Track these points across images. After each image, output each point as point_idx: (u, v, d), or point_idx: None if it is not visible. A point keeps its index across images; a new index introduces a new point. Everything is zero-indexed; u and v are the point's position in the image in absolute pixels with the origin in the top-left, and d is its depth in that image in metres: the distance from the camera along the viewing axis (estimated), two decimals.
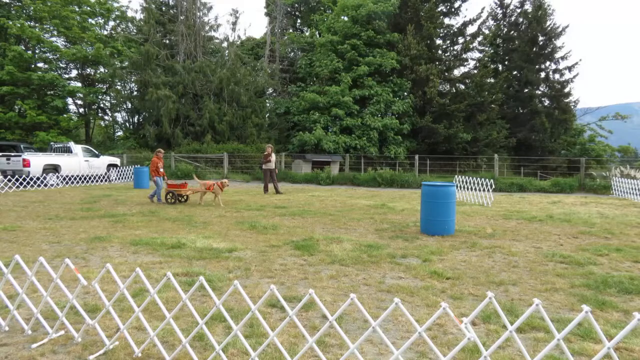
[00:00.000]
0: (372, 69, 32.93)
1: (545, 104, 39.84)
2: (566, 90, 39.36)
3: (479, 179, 14.59)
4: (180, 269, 6.13)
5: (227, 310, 4.53)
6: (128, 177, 23.14)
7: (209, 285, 5.50)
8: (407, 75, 33.80)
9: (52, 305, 4.04)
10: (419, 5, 35.60)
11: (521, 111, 39.74)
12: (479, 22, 38.16)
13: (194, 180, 14.55)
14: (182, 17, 32.26)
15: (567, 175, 28.92)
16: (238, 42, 37.30)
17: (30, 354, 3.74)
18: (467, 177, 15.49)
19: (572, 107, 40.82)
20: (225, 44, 36.78)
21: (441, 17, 36.81)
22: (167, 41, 34.19)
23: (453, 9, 37.59)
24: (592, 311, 4.82)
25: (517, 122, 38.41)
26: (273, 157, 17.14)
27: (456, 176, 17.11)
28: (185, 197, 14.04)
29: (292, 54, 40.93)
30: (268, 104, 36.70)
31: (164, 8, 34.52)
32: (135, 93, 33.75)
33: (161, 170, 14.50)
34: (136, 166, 20.97)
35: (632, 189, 17.09)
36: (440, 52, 37.63)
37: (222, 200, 13.78)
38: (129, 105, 34.43)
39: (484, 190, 13.89)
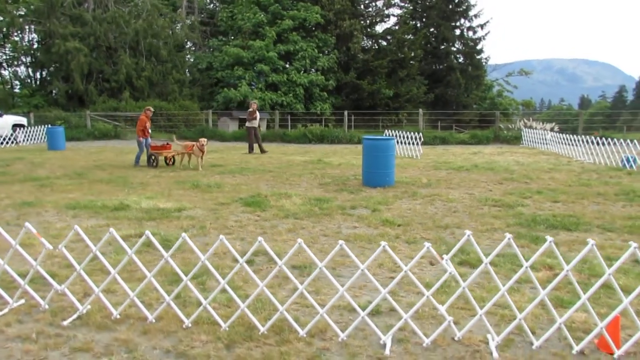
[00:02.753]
0: (296, 23, 32.32)
1: (460, 60, 41.65)
2: (479, 47, 41.38)
3: (408, 132, 15.23)
4: (131, 230, 5.95)
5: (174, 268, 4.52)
6: (39, 139, 21.27)
7: (167, 245, 5.42)
8: (331, 30, 33.64)
9: (11, 273, 3.79)
10: None
11: (439, 67, 41.31)
12: None
13: (174, 143, 13.18)
14: None
15: (479, 128, 30.94)
16: None
17: None
18: (396, 132, 16.11)
19: (484, 63, 43.14)
20: None
21: None
22: None
23: None
24: (528, 245, 5.41)
25: (435, 78, 39.97)
26: (258, 114, 16.29)
27: (386, 131, 17.70)
28: (171, 159, 12.86)
29: (212, 5, 38.93)
30: (189, 59, 34.94)
31: None
32: (37, 45, 30.51)
33: (149, 130, 13.02)
34: (49, 126, 19.31)
35: (538, 139, 18.77)
36: (362, 7, 37.69)
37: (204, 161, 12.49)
38: (30, 59, 31.15)
39: (413, 143, 14.55)
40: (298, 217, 6.69)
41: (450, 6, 40.14)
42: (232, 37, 35.14)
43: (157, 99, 28.54)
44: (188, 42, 35.27)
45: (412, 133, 15.04)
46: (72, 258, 3.69)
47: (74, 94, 27.90)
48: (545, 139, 17.78)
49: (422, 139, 15.05)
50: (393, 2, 38.19)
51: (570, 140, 15.13)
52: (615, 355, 3.09)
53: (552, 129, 21.68)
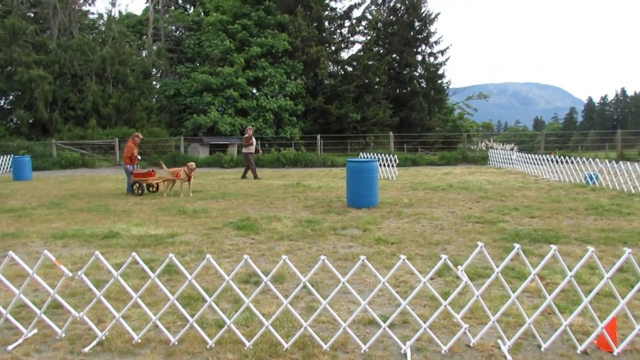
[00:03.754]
0: (264, 50, 32.79)
1: (423, 85, 43.10)
2: (440, 72, 43.01)
3: (384, 155, 15.66)
4: (128, 257, 5.90)
5: (204, 290, 4.58)
6: (2, 169, 20.57)
7: (168, 270, 5.45)
8: (298, 56, 34.27)
9: (26, 302, 3.76)
10: None
11: (402, 92, 42.62)
12: (364, 6, 39.82)
13: (162, 170, 12.85)
14: None
15: (443, 150, 31.98)
16: (117, 19, 34.44)
17: (12, 355, 3.50)
18: (369, 154, 16.51)
19: (445, 87, 44.81)
20: (102, 21, 33.82)
21: (329, 0, 37.76)
22: (33, 15, 30.41)
23: None
24: (516, 258, 5.73)
25: (399, 102, 41.16)
26: (254, 140, 16.13)
27: (361, 154, 18.10)
28: (154, 186, 12.57)
29: (178, 32, 39.01)
30: (156, 85, 34.69)
31: None
32: None
33: (138, 157, 12.71)
34: (14, 156, 18.72)
35: (504, 159, 19.62)
36: (328, 34, 38.67)
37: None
38: None
39: (388, 165, 14.97)
40: (292, 238, 6.82)
41: (412, 33, 41.72)
42: (199, 64, 35.24)
43: (125, 126, 28.15)
44: (155, 69, 35.08)
45: (386, 155, 15.47)
46: (47, 286, 3.71)
47: (37, 123, 27.17)
48: (511, 159, 18.61)
49: (397, 161, 15.50)
50: (357, 30, 39.36)
51: (535, 159, 15.92)
52: (614, 353, 3.36)
53: (511, 149, 22.71)
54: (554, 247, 3.40)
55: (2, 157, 20.63)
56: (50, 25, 29.19)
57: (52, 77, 26.82)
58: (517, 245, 3.47)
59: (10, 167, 18.14)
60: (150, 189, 12.57)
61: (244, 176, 16.17)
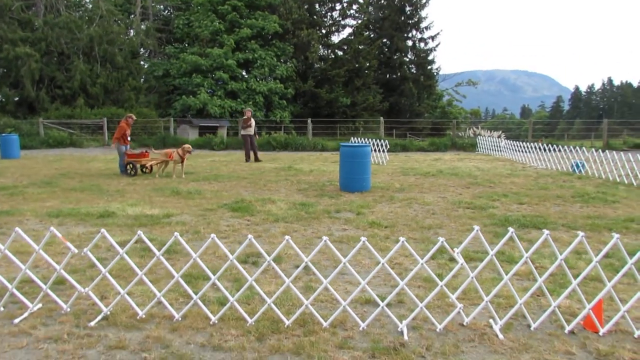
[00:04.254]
0: (254, 32, 32.49)
1: (413, 70, 43.10)
2: (430, 58, 43.01)
3: (375, 140, 15.77)
4: (126, 236, 5.97)
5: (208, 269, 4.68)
6: None
7: (167, 249, 5.52)
8: (289, 39, 34.04)
9: (32, 277, 3.83)
10: None
11: (392, 77, 42.60)
12: None
13: (152, 151, 12.78)
14: None
15: (431, 136, 32.23)
16: None
17: (19, 328, 3.57)
18: (362, 139, 16.61)
19: (435, 73, 44.84)
20: None
21: None
22: None
23: None
24: (507, 243, 5.92)
25: (389, 87, 41.17)
26: (252, 122, 15.91)
27: (352, 138, 18.18)
28: (148, 168, 12.48)
29: (167, 12, 38.38)
30: (144, 66, 34.22)
31: None
32: None
33: (128, 139, 12.51)
34: (2, 134, 18.45)
35: (492, 146, 19.88)
36: (319, 17, 38.36)
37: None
38: None
39: (378, 150, 15.09)
40: (287, 221, 6.92)
41: (403, 18, 41.56)
42: (188, 45, 34.83)
43: (113, 106, 27.84)
44: (143, 49, 34.56)
45: (377, 140, 15.60)
46: (54, 262, 3.78)
47: (24, 101, 26.72)
48: (500, 147, 18.87)
49: (388, 146, 15.64)
50: (349, 13, 39.11)
51: (523, 147, 16.18)
52: (600, 333, 3.55)
53: (499, 137, 22.99)
54: (546, 231, 3.56)
55: None
56: (37, 2, 28.51)
57: (39, 55, 26.34)
58: (511, 229, 3.62)
59: None
60: (144, 170, 12.52)
61: (247, 160, 15.93)
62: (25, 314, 3.79)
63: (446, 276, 4.64)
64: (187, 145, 11.87)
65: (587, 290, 4.32)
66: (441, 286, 3.56)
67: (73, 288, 4.25)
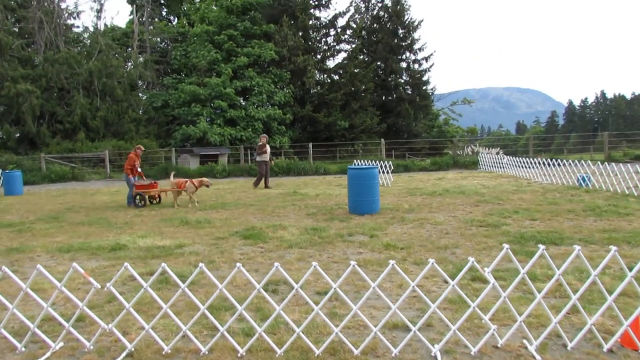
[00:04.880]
0: (251, 59, 32.91)
1: (408, 91, 43.54)
2: (424, 78, 43.52)
3: (379, 162, 15.79)
4: (142, 269, 5.89)
5: (221, 299, 4.59)
6: None
7: (181, 280, 5.44)
8: (285, 66, 34.44)
9: (54, 315, 3.74)
10: None
11: (389, 98, 43.01)
12: (348, 15, 40.20)
13: (171, 178, 12.83)
14: (34, 3, 28.63)
15: (430, 156, 32.31)
16: (103, 32, 34.24)
17: None
18: (365, 161, 16.64)
19: (430, 94, 45.30)
20: (87, 34, 33.61)
21: (313, 9, 38.07)
22: (17, 29, 30.09)
23: (324, 2, 38.99)
24: (525, 260, 5.84)
25: (386, 108, 41.51)
26: (268, 148, 15.90)
27: (355, 161, 18.22)
28: (157, 198, 12.48)
29: (163, 44, 38.91)
30: (143, 97, 34.52)
31: None
32: None
33: (139, 169, 12.51)
34: (5, 171, 18.42)
35: (494, 163, 19.92)
36: (314, 43, 38.94)
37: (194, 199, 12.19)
38: None
39: (383, 172, 15.10)
40: (301, 246, 6.85)
41: (396, 40, 42.21)
42: (186, 75, 35.21)
43: (114, 138, 27.94)
44: (141, 81, 34.91)
45: (381, 162, 15.61)
46: (76, 298, 3.71)
47: (25, 137, 26.82)
48: (502, 163, 18.90)
49: (392, 167, 15.65)
50: (343, 38, 39.69)
51: (525, 163, 16.21)
52: None
53: (497, 153, 23.07)
54: (577, 247, 3.50)
55: None
56: (36, 40, 28.94)
57: (40, 91, 26.57)
58: (541, 247, 3.56)
59: (1, 182, 17.86)
60: (153, 200, 12.42)
61: (257, 185, 15.84)
62: (48, 354, 3.69)
63: (470, 297, 4.57)
64: (206, 180, 12.02)
65: (619, 306, 4.24)
66: (473, 308, 3.48)
67: (94, 324, 4.17)
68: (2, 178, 17.80)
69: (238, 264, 3.58)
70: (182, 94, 31.39)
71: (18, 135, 27.13)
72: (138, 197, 12.07)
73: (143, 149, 13.23)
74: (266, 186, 15.79)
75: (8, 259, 6.79)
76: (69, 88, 28.33)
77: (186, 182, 11.87)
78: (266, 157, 15.82)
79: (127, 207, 12.12)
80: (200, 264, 3.62)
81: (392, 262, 3.51)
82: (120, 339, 3.67)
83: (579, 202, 9.97)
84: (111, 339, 3.90)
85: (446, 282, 5.21)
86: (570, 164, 13.91)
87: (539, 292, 3.67)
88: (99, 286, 3.69)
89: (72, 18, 33.28)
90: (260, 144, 16.05)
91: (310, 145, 24.96)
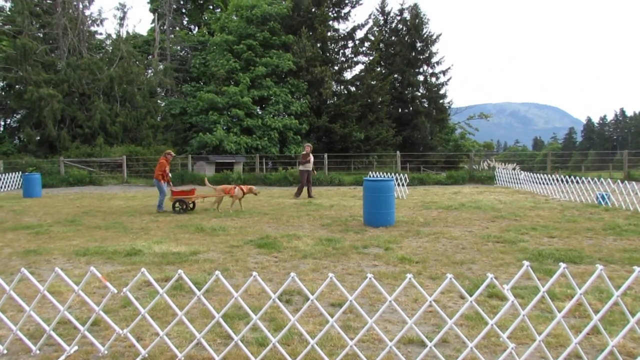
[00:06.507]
0: (269, 69, 33.20)
1: (425, 104, 43.46)
2: (442, 92, 43.44)
3: (394, 174, 15.72)
4: (157, 274, 5.92)
5: (233, 307, 4.57)
6: (9, 186, 20.62)
7: (196, 287, 5.45)
8: (303, 76, 34.65)
9: (70, 318, 3.77)
10: (312, 8, 36.67)
11: (405, 111, 42.97)
12: (366, 27, 40.40)
13: (207, 186, 13.19)
14: (59, 9, 29.34)
15: (445, 169, 32.07)
16: (125, 39, 34.90)
17: None
18: (380, 173, 16.58)
19: (447, 107, 45.15)
20: (110, 41, 34.30)
21: (332, 21, 38.36)
22: (42, 35, 30.84)
23: (343, 14, 39.29)
24: (544, 277, 5.74)
25: (402, 121, 41.47)
26: (311, 157, 15.59)
27: (370, 172, 18.17)
28: (192, 204, 12.39)
29: (183, 52, 39.51)
30: (160, 104, 35.02)
31: None
32: (2, 92, 29.90)
33: (169, 175, 12.65)
34: (25, 173, 18.76)
35: (511, 178, 19.70)
36: (332, 54, 39.17)
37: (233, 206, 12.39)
38: None
39: (398, 184, 15.02)
40: (316, 257, 6.82)
41: (414, 53, 42.28)
42: (204, 83, 35.65)
43: (132, 144, 28.32)
44: (160, 88, 35.43)
45: (396, 174, 15.54)
46: (92, 302, 3.72)
47: (45, 140, 27.33)
48: (519, 179, 18.68)
49: (408, 180, 15.56)
50: (360, 50, 39.85)
51: (543, 179, 15.99)
52: None
53: (513, 169, 22.81)
54: (600, 267, 3.43)
55: (11, 174, 20.68)
56: (60, 45, 29.59)
57: (61, 96, 27.10)
58: (563, 265, 3.50)
59: (21, 184, 18.18)
60: (190, 206, 12.35)
61: (298, 194, 15.64)
62: (62, 357, 3.71)
63: (487, 314, 4.49)
64: (255, 188, 12.46)
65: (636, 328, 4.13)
66: (492, 325, 3.42)
67: (108, 329, 4.19)
68: (22, 180, 18.10)
69: (254, 273, 3.57)
70: (200, 101, 31.76)
71: (38, 138, 27.65)
72: (177, 203, 12.02)
73: (173, 154, 13.29)
74: (309, 196, 15.56)
75: (26, 260, 6.88)
76: (89, 93, 28.86)
77: (234, 187, 12.15)
78: (309, 166, 15.54)
79: (157, 212, 12.08)
80: (217, 272, 3.62)
81: (409, 275, 3.48)
82: (134, 344, 3.68)
83: (598, 221, 9.79)
84: (125, 344, 3.91)
85: (462, 297, 5.14)
86: (589, 181, 13.67)
87: (559, 311, 3.59)
88: (116, 291, 3.71)
89: (95, 25, 34.01)
90: (304, 152, 15.81)
91: (326, 155, 24.99)
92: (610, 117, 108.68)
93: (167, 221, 10.53)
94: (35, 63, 27.71)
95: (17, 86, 28.38)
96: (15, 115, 30.47)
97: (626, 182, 12.38)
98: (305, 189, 15.77)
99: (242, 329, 4.10)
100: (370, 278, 3.49)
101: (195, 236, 8.57)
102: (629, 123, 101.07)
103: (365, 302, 4.98)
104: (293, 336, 4.05)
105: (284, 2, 35.44)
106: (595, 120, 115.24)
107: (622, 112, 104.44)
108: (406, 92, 42.35)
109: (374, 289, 5.22)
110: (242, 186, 12.32)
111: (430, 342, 3.48)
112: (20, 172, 20.09)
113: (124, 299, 4.91)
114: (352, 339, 3.92)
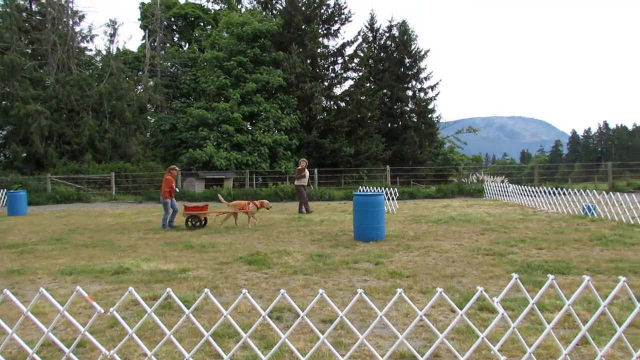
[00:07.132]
0: (259, 85, 33.36)
1: (414, 119, 43.84)
2: (430, 106, 43.88)
3: (384, 188, 15.77)
4: (145, 293, 5.84)
5: (221, 325, 4.52)
6: None
7: (184, 305, 5.38)
8: (293, 92, 34.85)
9: (55, 340, 3.70)
10: (302, 25, 37.03)
11: (394, 126, 43.30)
12: (356, 44, 40.83)
13: (221, 201, 13.25)
14: (49, 25, 29.30)
15: (435, 183, 32.23)
16: (115, 55, 34.89)
17: None
18: (370, 188, 16.63)
19: (436, 122, 45.59)
20: (99, 57, 34.27)
21: (322, 38, 38.79)
22: (30, 50, 30.73)
23: (332, 31, 39.78)
24: (533, 289, 5.76)
25: (391, 136, 41.76)
26: (307, 172, 15.72)
27: (360, 187, 18.21)
28: (204, 220, 12.34)
29: (174, 68, 39.59)
30: (151, 120, 34.95)
31: (25, 14, 30.91)
32: None
33: (176, 190, 12.50)
34: (10, 190, 18.51)
35: (500, 191, 19.86)
36: (322, 70, 39.51)
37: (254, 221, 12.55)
38: None
39: (388, 198, 15.06)
40: (306, 273, 6.79)
41: (402, 69, 42.76)
42: (195, 99, 35.69)
43: (121, 160, 28.13)
44: (150, 104, 35.38)
45: (387, 189, 15.59)
46: (78, 323, 3.67)
47: (32, 157, 27.05)
48: (507, 192, 18.84)
49: (397, 194, 15.61)
50: (350, 66, 40.25)
51: (531, 191, 16.14)
52: None
53: (502, 182, 23.02)
54: (587, 277, 3.45)
55: None
56: (49, 61, 29.49)
57: (49, 112, 26.92)
58: (551, 277, 3.52)
59: (5, 201, 17.92)
60: (197, 223, 12.22)
61: (300, 211, 15.54)
62: None
63: (478, 327, 4.49)
64: (267, 202, 12.62)
65: (629, 337, 4.14)
66: (482, 338, 3.42)
67: (94, 350, 4.11)
68: (6, 198, 17.84)
69: (244, 291, 3.54)
70: (190, 117, 31.76)
71: (25, 155, 27.36)
72: (189, 219, 11.99)
73: (178, 169, 13.19)
74: (307, 211, 15.51)
75: (9, 280, 6.76)
76: (78, 109, 28.69)
77: (248, 203, 12.31)
78: (304, 181, 15.63)
79: (163, 229, 11.92)
80: (206, 290, 3.59)
81: (399, 290, 3.47)
82: None
83: (585, 232, 9.88)
84: None
85: (453, 311, 5.13)
86: (575, 193, 13.83)
87: (548, 322, 3.60)
88: (102, 311, 3.65)
89: (85, 41, 33.98)
90: (299, 167, 15.89)
91: (316, 170, 25.03)
92: (594, 129, 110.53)
93: (156, 238, 10.44)
94: (23, 79, 27.56)
95: (3, 102, 28.13)
96: (1, 131, 30.15)
97: (611, 193, 12.55)
98: (301, 201, 15.77)
99: (232, 347, 4.05)
100: (360, 293, 3.48)
101: (184, 253, 8.49)
102: (612, 135, 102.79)
103: (356, 317, 4.96)
104: (284, 354, 4.01)
105: (274, 19, 35.80)
106: (580, 132, 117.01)
107: (606, 124, 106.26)
108: (395, 107, 42.74)
109: (364, 304, 5.19)
110: (255, 202, 12.46)
111: (422, 356, 3.46)
112: (5, 190, 19.81)
113: (111, 319, 4.83)
114: (343, 355, 3.89)
